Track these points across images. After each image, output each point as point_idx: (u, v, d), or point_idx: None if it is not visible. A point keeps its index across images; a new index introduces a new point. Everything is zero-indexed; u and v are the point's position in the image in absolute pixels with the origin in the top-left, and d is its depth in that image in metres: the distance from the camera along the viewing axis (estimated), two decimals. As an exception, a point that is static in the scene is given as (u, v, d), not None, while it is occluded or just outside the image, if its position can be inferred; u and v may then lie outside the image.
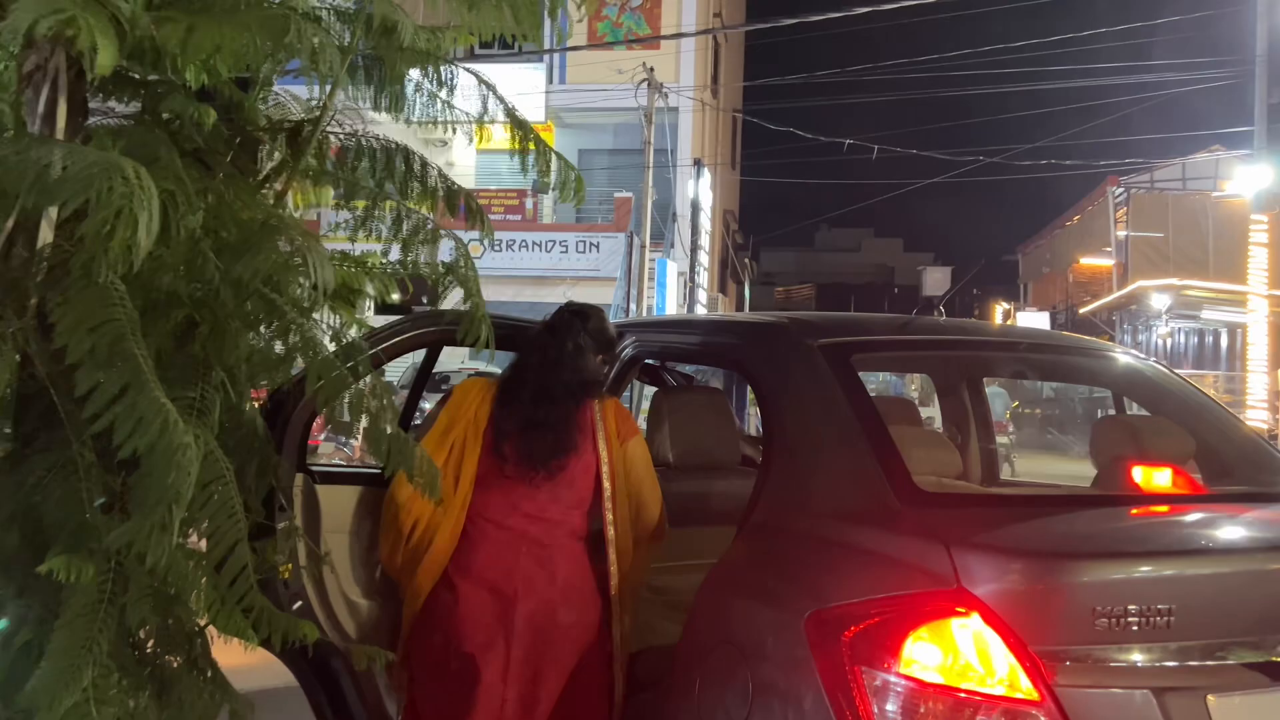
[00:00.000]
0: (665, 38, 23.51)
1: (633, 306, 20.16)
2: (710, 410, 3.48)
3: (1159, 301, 24.84)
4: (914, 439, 2.58)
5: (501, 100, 2.21)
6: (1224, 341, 26.41)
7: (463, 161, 24.10)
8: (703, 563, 3.24)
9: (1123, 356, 3.02)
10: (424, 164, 2.27)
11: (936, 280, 36.72)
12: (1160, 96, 21.11)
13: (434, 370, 3.84)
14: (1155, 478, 2.49)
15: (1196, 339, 27.39)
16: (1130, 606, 1.90)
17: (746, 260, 35.93)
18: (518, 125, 2.22)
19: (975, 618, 1.91)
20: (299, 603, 2.88)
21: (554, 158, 2.29)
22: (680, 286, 22.94)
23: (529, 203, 24.53)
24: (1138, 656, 1.91)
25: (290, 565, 2.77)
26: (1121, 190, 30.08)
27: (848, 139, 21.27)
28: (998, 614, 1.90)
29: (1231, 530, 2.31)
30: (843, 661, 2.00)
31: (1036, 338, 3.40)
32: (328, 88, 2.09)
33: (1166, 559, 2.04)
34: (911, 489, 2.26)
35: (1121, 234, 30.10)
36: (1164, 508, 2.40)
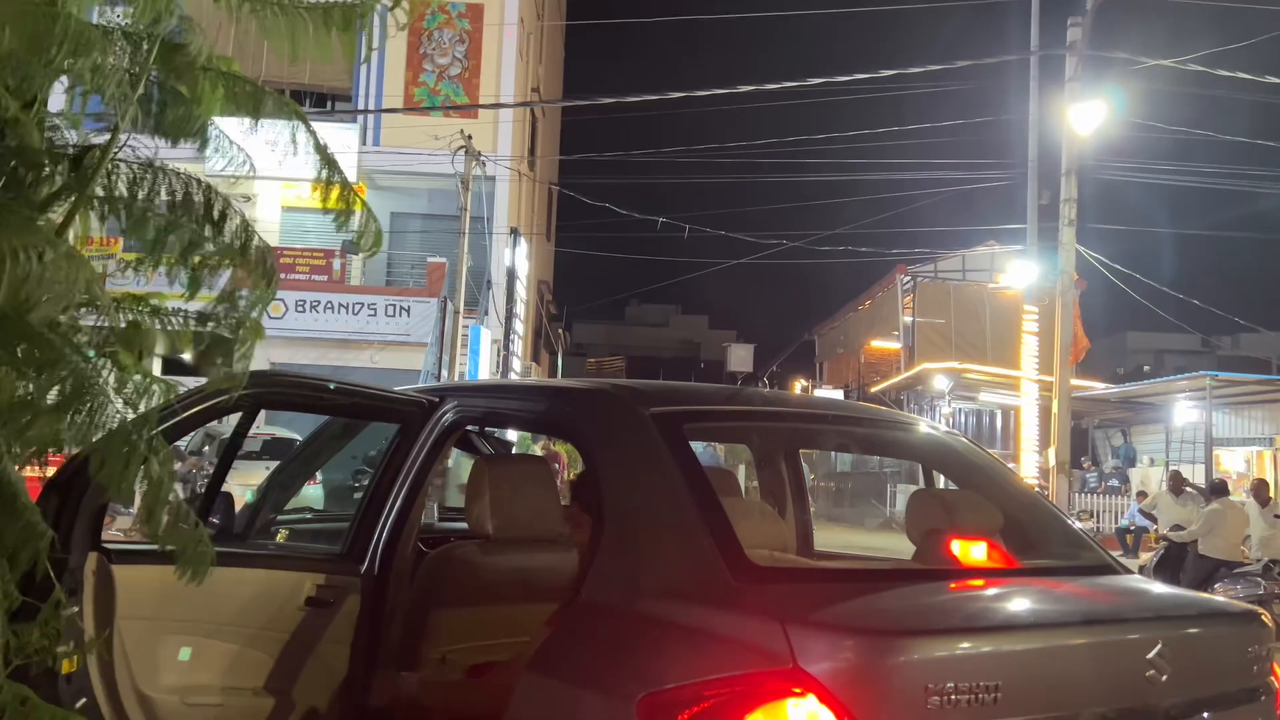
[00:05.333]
0: (483, 107, 23.56)
1: (444, 373, 19.71)
2: (532, 480, 3.35)
3: (941, 383, 26.50)
4: (742, 511, 2.54)
5: (311, 132, 2.05)
6: (999, 422, 28.44)
7: (267, 218, 23.15)
8: (523, 641, 3.08)
9: (936, 432, 3.12)
10: (226, 203, 2.06)
11: (740, 357, 38.01)
12: (946, 193, 22.86)
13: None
14: (972, 551, 2.54)
15: (975, 419, 29.36)
16: (961, 684, 1.90)
17: (560, 331, 36.05)
18: (323, 158, 2.06)
19: (811, 698, 1.86)
20: (83, 700, 2.51)
21: (358, 201, 2.13)
22: (494, 354, 22.67)
23: (336, 263, 23.76)
24: None
25: (75, 658, 2.41)
26: (909, 279, 32.20)
27: (657, 217, 21.89)
28: (833, 694, 1.86)
29: (1051, 605, 2.38)
30: None
31: (859, 412, 3.50)
32: (119, 110, 1.88)
33: (996, 635, 2.06)
34: (745, 564, 2.21)
35: (908, 319, 32.15)
36: (986, 582, 2.45)
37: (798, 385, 38.29)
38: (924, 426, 3.16)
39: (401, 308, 22.98)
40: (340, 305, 22.85)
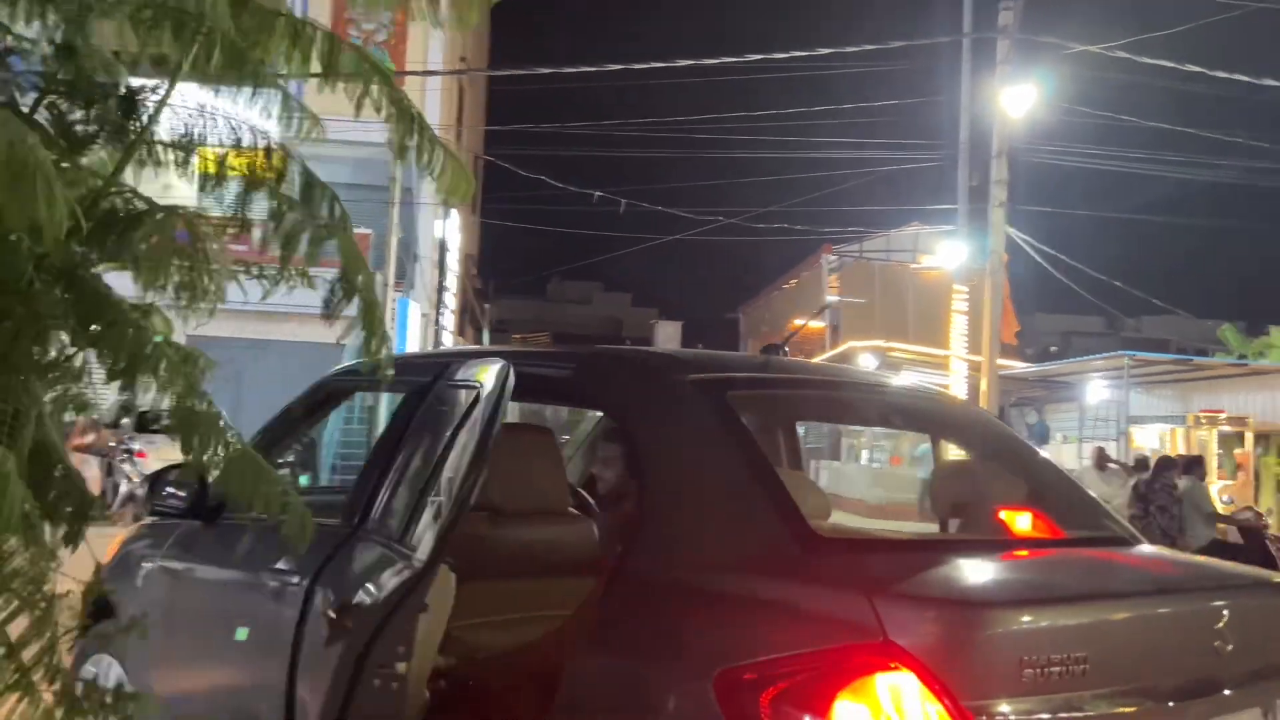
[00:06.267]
0: (412, 74, 22.98)
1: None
2: (540, 451, 3.23)
3: (867, 361, 26.93)
4: (792, 482, 2.46)
5: (391, 85, 1.90)
6: (921, 400, 28.94)
7: (179, 184, 22.23)
8: (534, 616, 2.96)
9: (967, 407, 3.09)
10: (286, 155, 1.91)
11: (668, 334, 38.09)
12: (877, 173, 23.10)
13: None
14: (1018, 521, 2.51)
15: (898, 397, 29.81)
16: (1054, 655, 1.86)
17: (486, 306, 35.60)
18: (405, 116, 1.92)
19: (906, 672, 1.80)
20: None
21: (441, 152, 1.99)
22: (423, 328, 22.24)
23: (257, 232, 22.97)
24: (1057, 708, 1.87)
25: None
26: (834, 258, 32.63)
27: (578, 190, 21.72)
28: (928, 667, 1.80)
29: (1126, 576, 2.36)
30: None
31: (898, 385, 3.45)
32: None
33: (1085, 605, 2.03)
34: (809, 534, 2.14)
35: (833, 298, 32.58)
36: (1048, 553, 2.42)
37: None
38: (955, 401, 3.14)
39: (325, 279, 22.31)
40: (260, 275, 22.09)
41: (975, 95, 17.70)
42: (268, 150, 1.91)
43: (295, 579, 2.93)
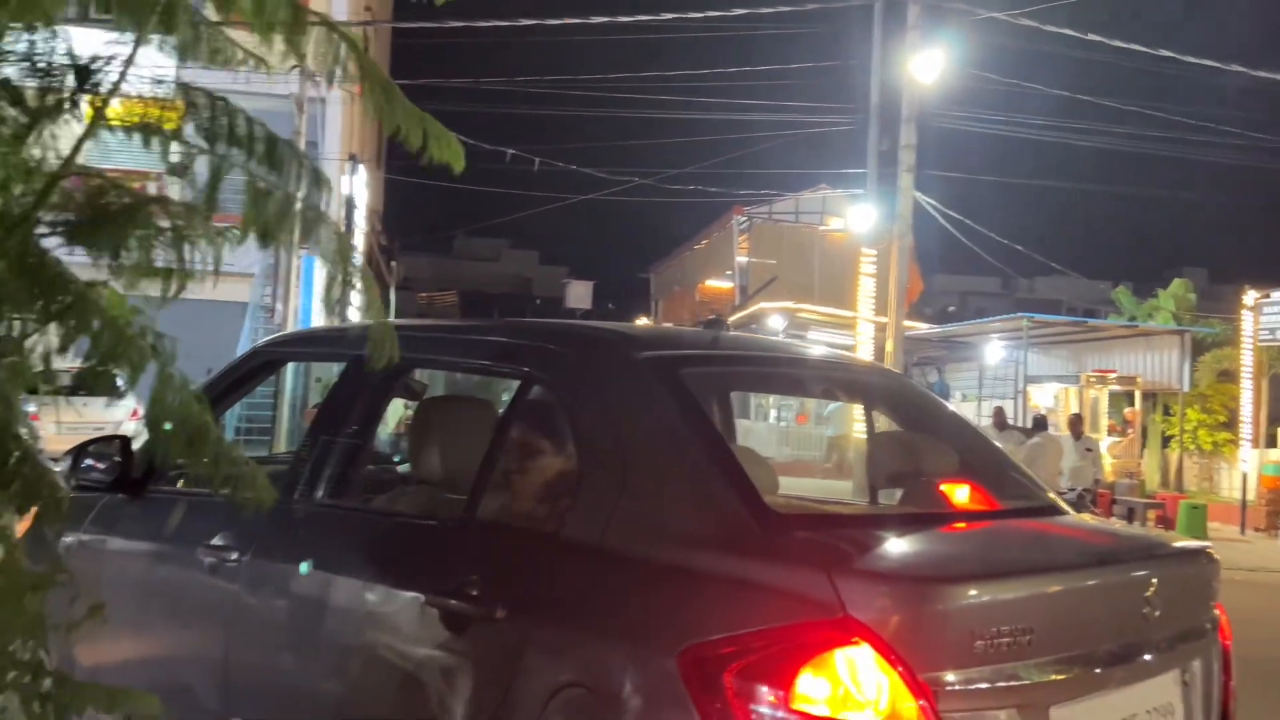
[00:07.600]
0: (316, 25, 22.19)
1: (279, 306, 18.75)
2: (481, 423, 3.21)
3: (776, 322, 27.33)
4: (744, 457, 2.50)
5: (358, 53, 1.84)
6: (828, 360, 29.53)
7: (67, 135, 21.14)
8: None
9: (903, 380, 3.17)
10: (250, 121, 1.84)
11: (579, 294, 37.95)
12: (789, 136, 23.29)
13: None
14: (957, 494, 2.60)
15: (805, 356, 30.33)
16: (1003, 627, 1.94)
17: (392, 264, 34.90)
18: (375, 82, 1.86)
19: (865, 647, 1.86)
20: None
21: (419, 116, 1.93)
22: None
23: (153, 187, 22.05)
24: (1006, 677, 1.96)
25: None
26: (745, 219, 32.89)
27: (489, 148, 21.45)
28: (886, 642, 1.86)
29: (1068, 547, 2.46)
30: (728, 701, 1.86)
31: (838, 359, 3.52)
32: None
33: (1033, 578, 2.12)
34: (765, 510, 2.18)
35: (742, 259, 32.89)
36: (994, 525, 2.51)
37: (640, 322, 38.74)
38: (891, 374, 3.22)
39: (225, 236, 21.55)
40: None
41: (886, 60, 17.96)
42: (232, 116, 1.83)
43: (234, 554, 2.89)
